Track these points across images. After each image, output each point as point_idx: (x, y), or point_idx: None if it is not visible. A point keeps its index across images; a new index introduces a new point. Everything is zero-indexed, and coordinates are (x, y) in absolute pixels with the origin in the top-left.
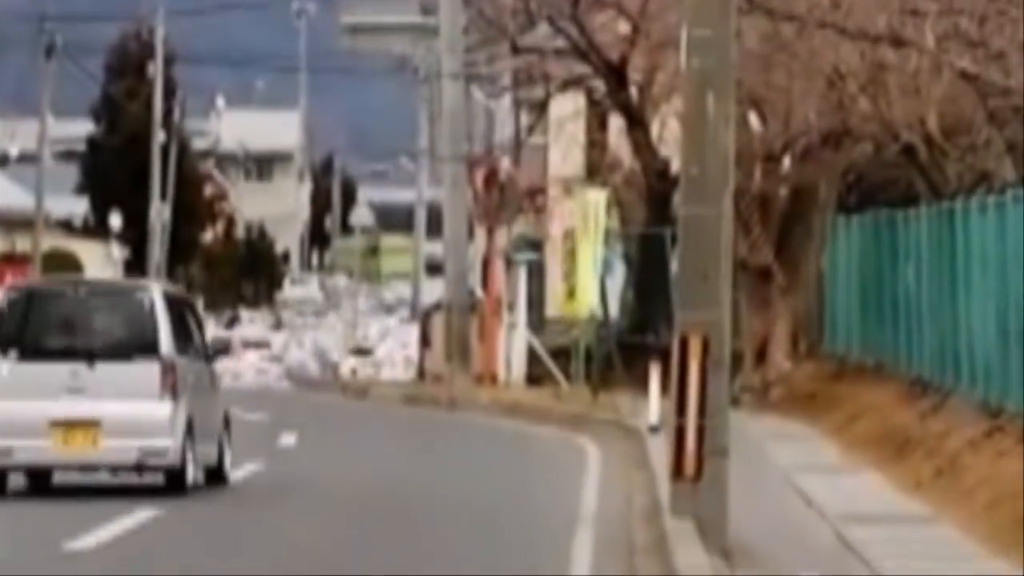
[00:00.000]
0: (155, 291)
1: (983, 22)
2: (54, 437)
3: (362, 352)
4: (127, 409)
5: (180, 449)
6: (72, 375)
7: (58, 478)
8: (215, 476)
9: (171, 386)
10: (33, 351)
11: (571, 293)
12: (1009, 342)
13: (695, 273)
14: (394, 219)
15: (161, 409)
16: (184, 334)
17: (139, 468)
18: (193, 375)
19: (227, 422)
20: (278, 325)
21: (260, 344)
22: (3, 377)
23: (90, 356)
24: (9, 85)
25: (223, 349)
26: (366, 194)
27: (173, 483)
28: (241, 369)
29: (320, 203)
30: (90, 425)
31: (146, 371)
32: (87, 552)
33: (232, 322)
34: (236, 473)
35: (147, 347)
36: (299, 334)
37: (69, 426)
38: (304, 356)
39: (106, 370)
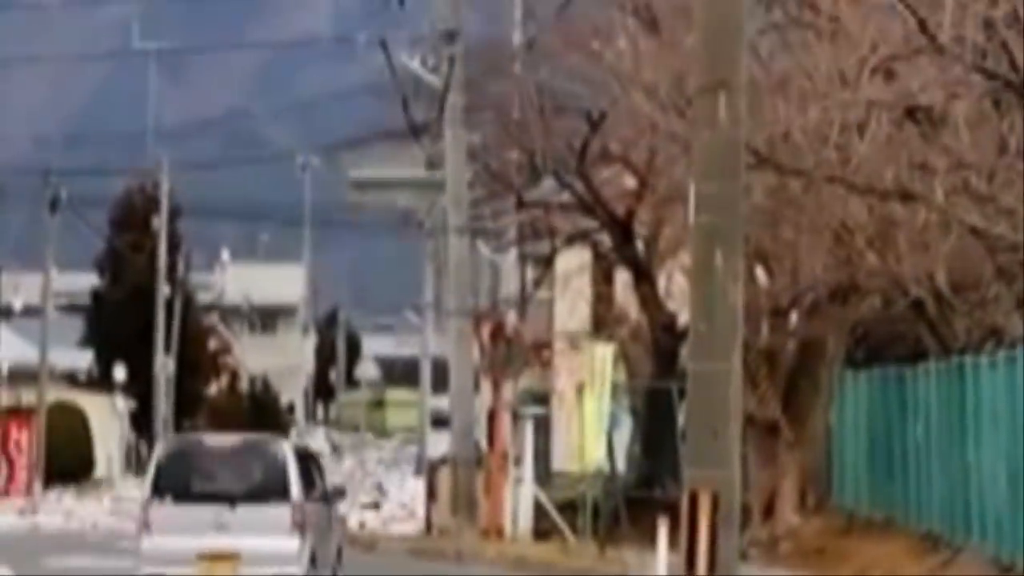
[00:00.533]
0: (286, 445)
1: (992, 178)
2: (201, 567)
3: (370, 506)
4: (264, 543)
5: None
6: (217, 515)
7: None
8: None
9: (300, 524)
10: (186, 495)
11: (581, 449)
12: (1020, 496)
13: (704, 429)
14: (399, 373)
15: (292, 543)
16: (309, 481)
17: None
18: (315, 515)
19: (339, 553)
20: None
21: None
22: (161, 516)
23: (231, 500)
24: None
25: (341, 493)
26: (371, 348)
27: None
28: None
29: (324, 356)
30: (232, 556)
31: (279, 511)
32: None
33: None
34: None
35: (280, 491)
36: None
37: (214, 558)
38: None
39: (245, 511)
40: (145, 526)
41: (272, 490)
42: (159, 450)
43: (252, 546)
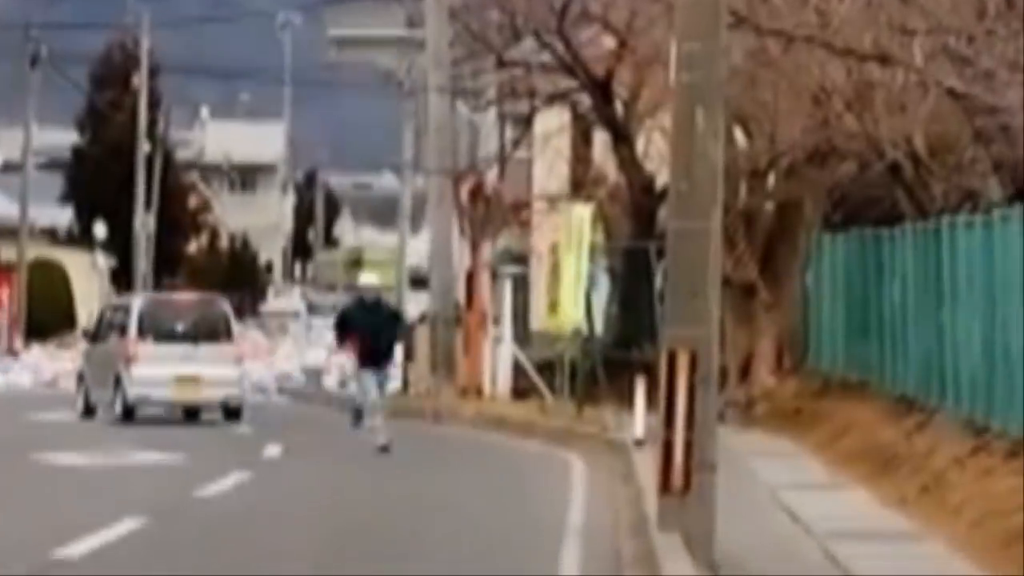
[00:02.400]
0: (225, 303)
1: (971, 41)
2: (174, 388)
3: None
4: (217, 371)
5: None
6: (184, 350)
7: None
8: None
9: (239, 357)
10: (161, 336)
11: (555, 307)
12: (995, 360)
13: (683, 288)
14: (379, 220)
15: (235, 371)
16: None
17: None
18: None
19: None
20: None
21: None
22: (144, 352)
23: (194, 339)
24: None
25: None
26: (349, 206)
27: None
28: None
29: (303, 215)
30: (196, 379)
31: (226, 348)
32: (73, 561)
33: None
34: (224, 482)
35: (227, 334)
36: (282, 344)
37: (183, 380)
38: (288, 367)
39: (204, 348)
40: (133, 359)
41: (220, 333)
42: (138, 304)
43: (209, 372)
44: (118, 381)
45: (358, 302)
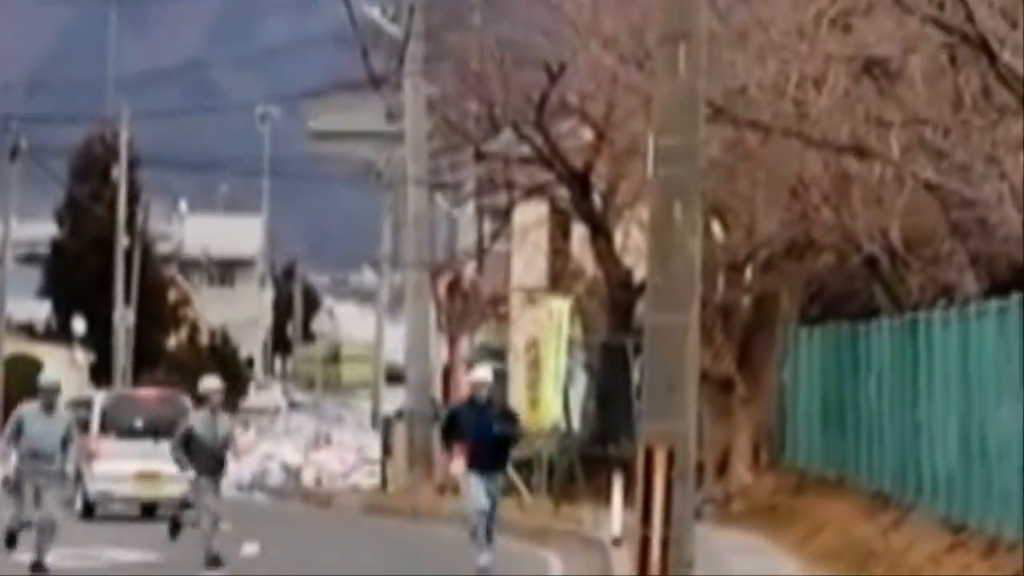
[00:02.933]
0: (187, 398)
1: (947, 133)
2: (135, 484)
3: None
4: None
5: None
6: (145, 446)
7: None
8: None
9: None
10: (123, 432)
11: (535, 403)
12: (971, 457)
13: (661, 383)
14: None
15: None
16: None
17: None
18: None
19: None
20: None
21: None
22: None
23: (155, 435)
24: None
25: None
26: (328, 301)
27: None
28: None
29: (282, 310)
30: (156, 476)
31: None
32: None
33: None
34: None
35: None
36: (262, 442)
37: (144, 477)
38: (267, 464)
39: (164, 444)
40: (95, 455)
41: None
42: (100, 401)
43: (170, 469)
44: (79, 477)
45: (468, 401)
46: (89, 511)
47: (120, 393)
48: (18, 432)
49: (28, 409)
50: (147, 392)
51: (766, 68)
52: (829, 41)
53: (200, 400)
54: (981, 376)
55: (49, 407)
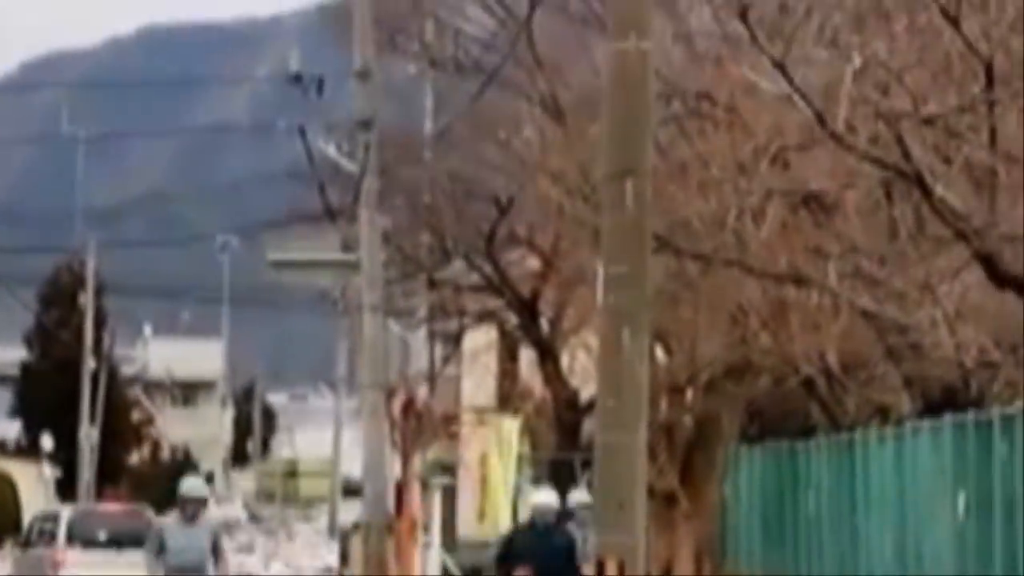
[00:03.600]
0: (150, 511)
1: (883, 262)
2: None
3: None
4: None
5: None
6: (109, 557)
7: None
8: None
9: None
10: (88, 543)
11: (483, 515)
12: (907, 567)
13: (611, 499)
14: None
15: None
16: None
17: None
18: None
19: None
20: None
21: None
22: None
23: (119, 546)
24: None
25: None
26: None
27: None
28: None
29: (242, 428)
30: None
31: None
32: None
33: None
34: None
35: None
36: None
37: None
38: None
39: (128, 554)
40: (61, 564)
41: (143, 541)
42: (67, 515)
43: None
44: None
45: (527, 525)
46: None
47: (85, 507)
48: (160, 548)
49: (169, 523)
50: (112, 507)
51: (707, 201)
52: (768, 175)
53: (181, 507)
54: (915, 492)
55: (192, 518)
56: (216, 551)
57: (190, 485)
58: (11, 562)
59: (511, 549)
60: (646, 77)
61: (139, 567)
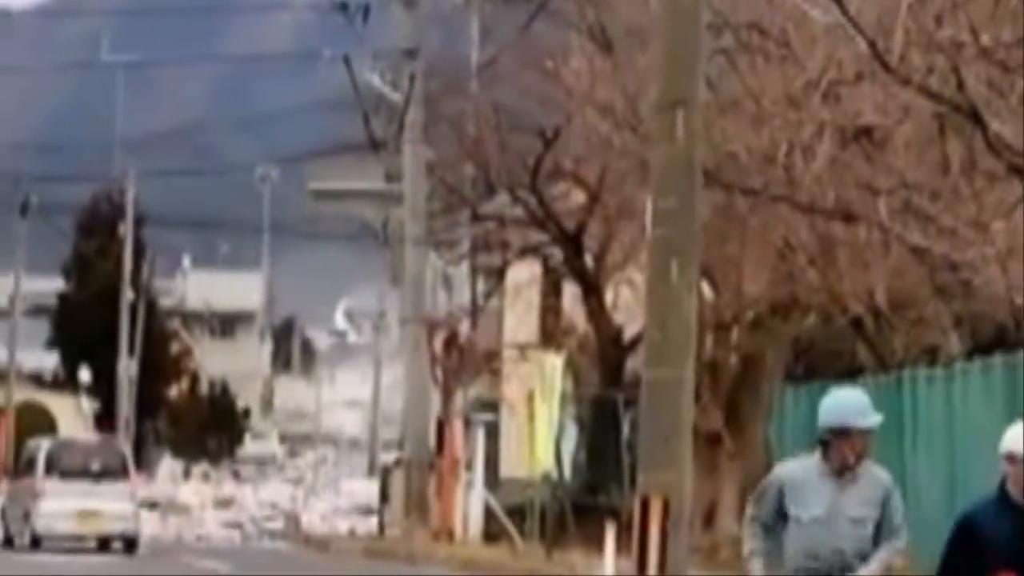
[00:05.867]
0: (125, 444)
1: (934, 198)
2: (78, 521)
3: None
4: (114, 506)
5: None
6: (87, 487)
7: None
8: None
9: (134, 494)
10: (66, 474)
11: (529, 453)
12: (956, 507)
13: (656, 436)
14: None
15: (129, 506)
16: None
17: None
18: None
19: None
20: (236, 476)
21: (225, 502)
22: (51, 488)
23: (96, 476)
24: None
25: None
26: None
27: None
28: (208, 530)
29: (281, 362)
30: (98, 513)
31: (123, 486)
32: None
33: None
34: None
35: (123, 472)
36: (260, 488)
37: (86, 514)
38: (267, 510)
39: (104, 484)
40: (40, 494)
41: (118, 471)
42: (46, 447)
43: (108, 507)
44: (27, 515)
45: (997, 501)
46: (36, 544)
47: (63, 440)
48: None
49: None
50: (87, 438)
51: (757, 135)
52: (819, 109)
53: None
54: (965, 433)
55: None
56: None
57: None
58: (4, 491)
59: (972, 535)
60: (697, 6)
61: (114, 497)
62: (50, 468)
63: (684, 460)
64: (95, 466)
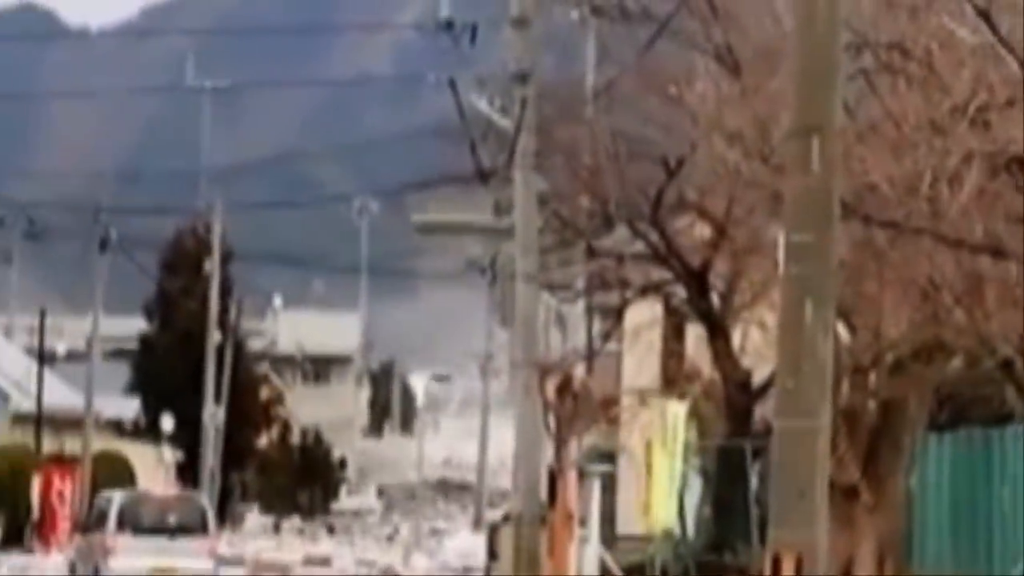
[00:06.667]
0: (205, 498)
1: None
2: None
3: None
4: (190, 563)
5: None
6: (161, 543)
7: None
8: None
9: (213, 551)
10: (139, 529)
11: (647, 508)
12: None
13: (789, 489)
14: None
15: (208, 564)
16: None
17: None
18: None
19: None
20: (331, 532)
21: (319, 560)
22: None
23: (171, 532)
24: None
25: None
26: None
27: None
28: None
29: (379, 409)
30: (171, 572)
31: (201, 542)
32: None
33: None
34: None
35: (202, 528)
36: (357, 546)
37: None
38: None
39: (180, 540)
40: (111, 551)
41: (197, 527)
42: (118, 500)
43: (184, 566)
44: (96, 573)
45: None
46: None
47: (138, 493)
48: None
49: None
50: (165, 492)
51: (898, 164)
52: (966, 136)
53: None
54: None
55: None
56: None
57: None
58: (74, 548)
59: None
60: (835, 25)
61: (191, 555)
62: (122, 523)
63: (819, 515)
64: (171, 521)
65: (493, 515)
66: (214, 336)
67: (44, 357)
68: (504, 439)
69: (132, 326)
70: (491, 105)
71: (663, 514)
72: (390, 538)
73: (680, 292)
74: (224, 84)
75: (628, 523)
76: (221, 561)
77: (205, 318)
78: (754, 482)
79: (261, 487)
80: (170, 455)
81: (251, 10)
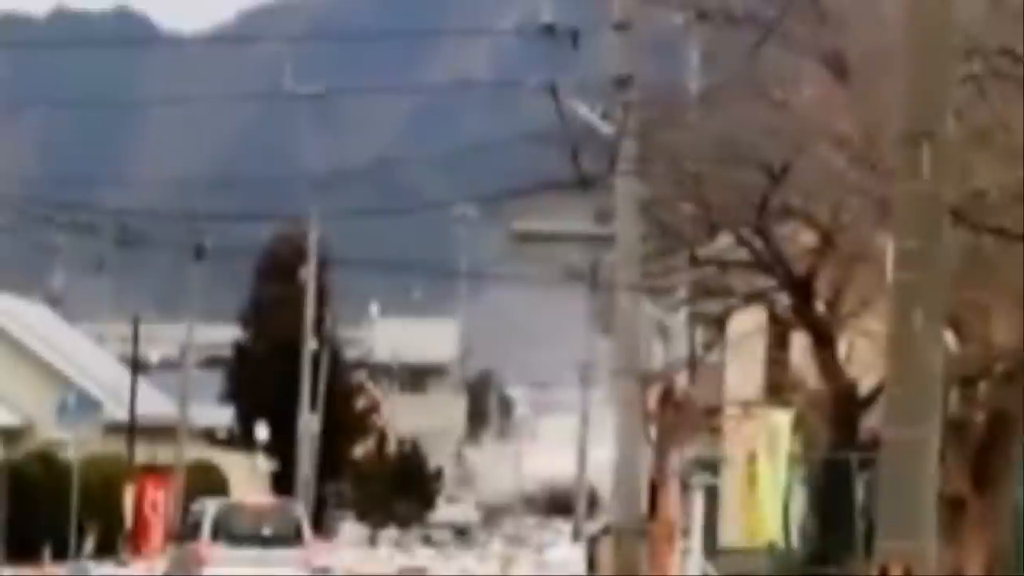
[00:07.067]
0: (301, 507)
1: None
2: None
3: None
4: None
5: None
6: (256, 553)
7: None
8: None
9: (309, 561)
10: (233, 539)
11: (751, 519)
12: None
13: (897, 501)
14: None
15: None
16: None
17: None
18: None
19: None
20: (428, 542)
21: (416, 572)
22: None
23: (266, 542)
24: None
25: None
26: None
27: None
28: None
29: (477, 418)
30: None
31: (297, 552)
32: None
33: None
34: None
35: (298, 537)
36: (453, 558)
37: None
38: None
39: (275, 551)
40: (205, 561)
41: (292, 537)
42: (212, 509)
43: (278, 575)
44: None
45: None
46: None
47: (232, 502)
48: None
49: None
50: (260, 500)
51: (1009, 170)
52: None
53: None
54: None
55: None
56: None
57: None
58: (169, 558)
59: None
60: (947, 29)
61: (286, 565)
62: (216, 533)
63: (928, 527)
64: (266, 531)
65: (593, 527)
66: (310, 344)
67: (137, 365)
68: (604, 449)
69: (226, 334)
70: (592, 111)
71: (767, 526)
72: (489, 550)
73: (784, 300)
74: (320, 90)
75: (730, 535)
76: (316, 571)
77: (300, 326)
78: (860, 494)
79: (357, 497)
80: (264, 464)
81: (347, 15)
